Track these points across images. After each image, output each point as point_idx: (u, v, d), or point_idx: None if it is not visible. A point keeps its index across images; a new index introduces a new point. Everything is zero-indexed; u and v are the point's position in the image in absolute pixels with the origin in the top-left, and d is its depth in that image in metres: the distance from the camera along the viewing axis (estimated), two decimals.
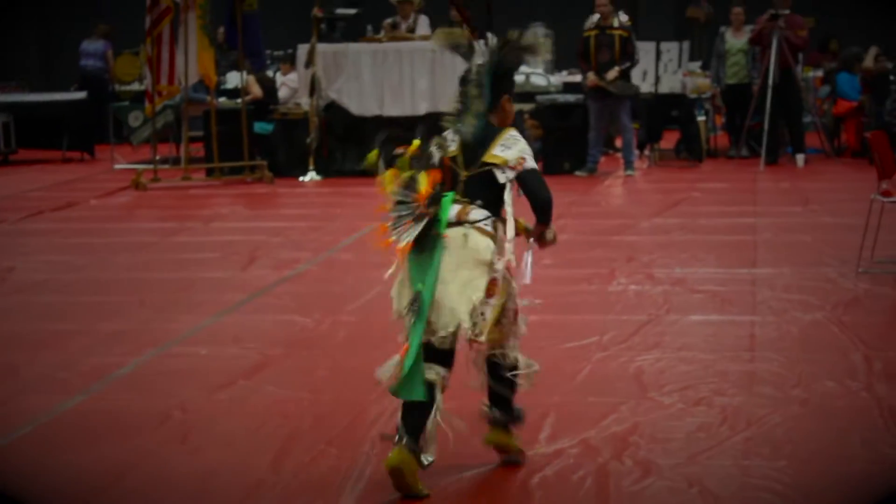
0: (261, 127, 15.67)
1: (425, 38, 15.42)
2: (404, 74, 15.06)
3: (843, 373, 6.38)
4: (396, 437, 4.82)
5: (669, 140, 16.43)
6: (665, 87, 17.02)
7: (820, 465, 5.18)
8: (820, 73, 17.94)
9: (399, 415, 4.88)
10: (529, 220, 5.03)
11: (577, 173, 14.77)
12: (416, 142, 5.03)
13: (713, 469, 5.10)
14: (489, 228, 4.88)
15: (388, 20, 16.43)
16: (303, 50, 15.44)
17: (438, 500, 4.87)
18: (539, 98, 16.11)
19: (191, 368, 6.85)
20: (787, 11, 15.31)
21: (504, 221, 4.91)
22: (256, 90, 16.26)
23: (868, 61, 16.13)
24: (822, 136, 16.33)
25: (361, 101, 15.14)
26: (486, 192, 4.90)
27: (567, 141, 15.10)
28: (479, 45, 5.00)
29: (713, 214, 11.73)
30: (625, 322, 7.54)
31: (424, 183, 4.84)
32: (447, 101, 14.40)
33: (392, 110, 15.09)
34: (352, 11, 17.11)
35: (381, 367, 4.96)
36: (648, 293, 8.36)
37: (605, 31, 14.73)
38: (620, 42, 14.68)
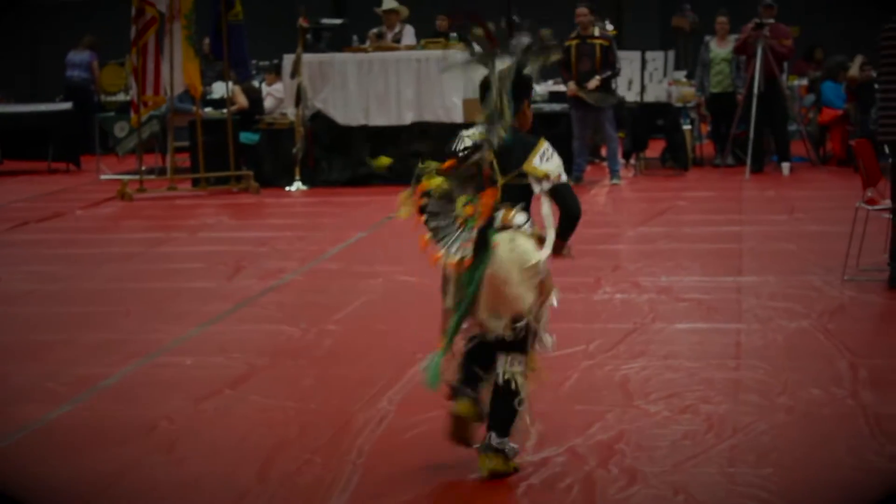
0: (246, 137, 15.68)
1: (410, 48, 15.45)
2: (390, 84, 15.07)
3: (828, 380, 6.39)
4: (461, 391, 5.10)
5: (655, 149, 16.47)
6: (650, 96, 17.02)
7: (805, 472, 5.19)
8: (805, 82, 17.99)
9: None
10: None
11: None
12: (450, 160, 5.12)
13: (699, 476, 5.10)
14: (531, 232, 5.07)
15: (374, 30, 16.47)
16: (288, 60, 15.44)
17: None
18: None
19: (177, 378, 6.84)
20: (771, 21, 15.37)
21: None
22: (242, 100, 16.27)
23: (854, 70, 16.17)
24: (807, 144, 16.39)
25: (347, 111, 15.15)
26: (518, 198, 5.07)
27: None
28: (498, 53, 5.12)
29: (699, 223, 11.75)
30: (611, 330, 7.55)
31: (487, 203, 5.01)
32: (432, 111, 14.77)
33: (378, 120, 15.10)
34: (337, 22, 17.17)
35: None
36: (634, 301, 8.37)
37: (585, 41, 14.77)
38: (601, 51, 14.71)
